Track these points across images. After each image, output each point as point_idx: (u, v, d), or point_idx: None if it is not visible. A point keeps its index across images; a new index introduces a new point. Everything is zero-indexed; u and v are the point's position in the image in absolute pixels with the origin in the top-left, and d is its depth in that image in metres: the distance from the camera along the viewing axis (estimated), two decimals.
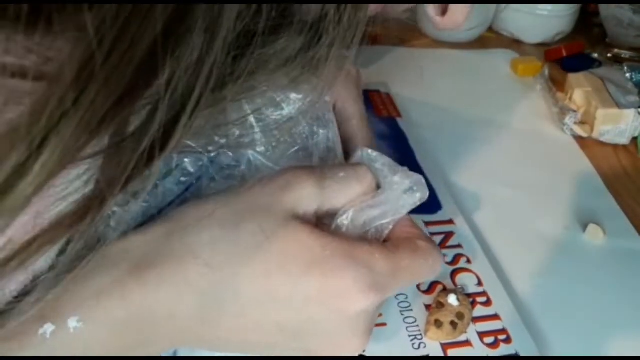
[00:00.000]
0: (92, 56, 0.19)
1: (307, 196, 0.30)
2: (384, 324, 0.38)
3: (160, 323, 0.28)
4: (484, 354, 0.37)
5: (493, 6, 0.77)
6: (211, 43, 0.22)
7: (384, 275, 0.30)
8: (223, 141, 0.33)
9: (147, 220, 0.31)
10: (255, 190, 0.31)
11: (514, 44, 0.79)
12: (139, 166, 0.23)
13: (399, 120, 0.59)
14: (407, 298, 0.41)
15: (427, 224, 0.47)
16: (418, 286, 0.41)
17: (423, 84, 0.66)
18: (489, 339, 0.38)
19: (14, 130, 0.19)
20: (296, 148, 0.36)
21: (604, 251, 0.47)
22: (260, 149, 0.34)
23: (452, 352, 0.37)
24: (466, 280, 0.42)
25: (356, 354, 0.31)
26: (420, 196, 0.34)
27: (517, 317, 0.40)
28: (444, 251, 0.44)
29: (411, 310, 0.40)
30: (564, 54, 0.74)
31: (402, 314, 0.39)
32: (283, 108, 0.34)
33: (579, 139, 0.60)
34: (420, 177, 0.34)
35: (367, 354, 0.36)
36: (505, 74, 0.71)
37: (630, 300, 0.43)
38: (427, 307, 0.40)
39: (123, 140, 0.22)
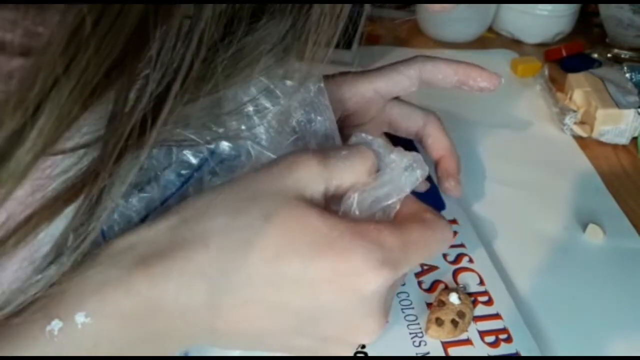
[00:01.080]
0: (82, 23, 0.19)
1: (312, 176, 0.30)
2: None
3: (171, 315, 0.28)
4: (485, 353, 0.37)
5: (493, 6, 0.78)
6: (200, 12, 0.22)
7: (395, 250, 0.29)
8: (221, 130, 0.32)
9: (150, 213, 0.31)
10: (259, 175, 0.30)
11: (514, 44, 0.79)
12: (132, 137, 0.23)
13: None
14: (408, 296, 0.41)
15: None
16: (420, 284, 0.42)
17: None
18: (490, 338, 0.38)
19: (8, 98, 0.19)
20: (295, 137, 0.36)
21: (604, 251, 0.47)
22: (259, 139, 0.34)
23: (452, 351, 0.37)
24: (468, 280, 0.42)
25: (375, 336, 0.31)
26: (420, 173, 0.34)
27: (518, 317, 0.40)
28: (447, 250, 0.44)
29: (412, 308, 0.40)
30: (564, 54, 0.74)
31: (403, 312, 0.39)
32: (279, 97, 0.34)
33: (578, 139, 0.60)
34: (417, 154, 0.34)
35: (367, 351, 0.36)
36: (505, 74, 0.70)
37: (631, 300, 0.43)
38: (429, 305, 0.40)
39: (115, 111, 0.22)
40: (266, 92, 0.34)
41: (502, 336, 0.38)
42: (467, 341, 0.38)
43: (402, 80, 0.45)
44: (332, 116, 0.38)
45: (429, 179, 0.51)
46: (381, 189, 0.32)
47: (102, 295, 0.27)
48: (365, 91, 0.45)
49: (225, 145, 0.34)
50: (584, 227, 0.49)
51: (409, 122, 0.48)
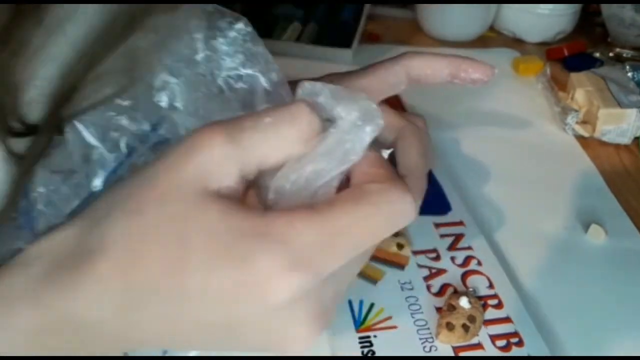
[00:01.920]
0: None
1: (217, 161, 0.24)
2: (394, 327, 0.38)
3: (84, 328, 0.25)
4: None
5: (494, 5, 0.77)
6: None
7: (309, 246, 0.24)
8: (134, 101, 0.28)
9: (82, 203, 0.29)
10: (157, 165, 0.25)
11: (516, 43, 0.79)
12: None
13: None
14: (417, 300, 0.40)
15: (438, 225, 0.46)
16: (429, 288, 0.41)
17: (424, 84, 0.65)
18: (501, 342, 0.38)
19: None
20: (227, 98, 0.30)
21: (605, 251, 0.47)
22: (179, 104, 0.29)
23: (463, 356, 0.37)
24: (477, 283, 0.42)
25: (308, 344, 0.26)
26: (370, 129, 0.26)
27: (528, 320, 0.39)
28: (455, 253, 0.44)
29: (422, 312, 0.39)
30: (566, 53, 0.74)
31: (412, 317, 0.39)
32: (197, 51, 0.29)
33: (580, 138, 0.60)
34: (369, 103, 0.27)
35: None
36: (506, 73, 0.71)
37: (633, 300, 0.43)
38: (438, 309, 0.39)
39: None
40: (181, 50, 0.29)
41: (514, 340, 0.38)
42: (479, 345, 0.38)
43: (388, 78, 0.42)
44: (275, 66, 0.31)
45: (433, 178, 0.51)
46: (322, 158, 0.26)
47: (8, 308, 0.25)
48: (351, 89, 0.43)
49: (162, 128, 0.29)
50: (586, 227, 0.48)
51: (381, 134, 0.45)
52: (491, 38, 0.79)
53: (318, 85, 0.27)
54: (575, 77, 0.62)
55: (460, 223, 0.47)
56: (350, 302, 0.40)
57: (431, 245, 0.44)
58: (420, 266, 0.43)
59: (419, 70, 0.41)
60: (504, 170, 0.55)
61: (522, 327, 0.39)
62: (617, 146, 0.59)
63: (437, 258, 0.43)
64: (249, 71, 0.30)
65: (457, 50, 0.75)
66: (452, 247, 0.44)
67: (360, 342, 0.37)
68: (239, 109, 0.30)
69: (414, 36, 0.79)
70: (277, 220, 0.24)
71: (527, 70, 0.70)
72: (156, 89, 0.29)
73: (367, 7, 0.78)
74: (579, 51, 0.74)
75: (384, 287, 0.41)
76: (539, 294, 0.43)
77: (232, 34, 0.30)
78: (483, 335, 0.38)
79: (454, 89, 0.68)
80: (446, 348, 0.37)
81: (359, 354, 0.37)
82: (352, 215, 0.25)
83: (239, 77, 0.30)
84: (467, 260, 0.44)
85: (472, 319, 0.38)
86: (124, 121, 0.29)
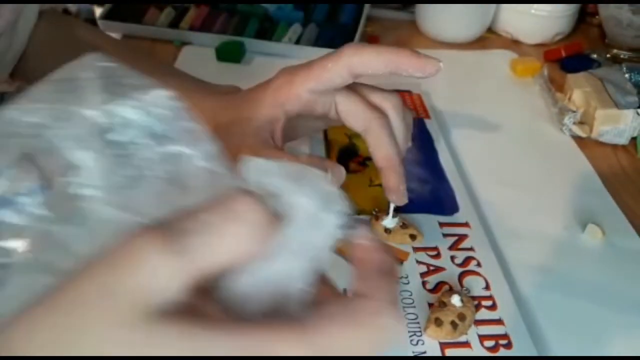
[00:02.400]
0: None
1: (158, 274, 0.20)
2: None
3: None
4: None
5: (492, 6, 0.78)
6: None
7: None
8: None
9: None
10: (85, 283, 0.20)
11: (513, 44, 0.79)
12: None
13: (427, 121, 0.59)
14: (411, 295, 0.41)
15: (442, 224, 0.47)
16: (424, 284, 0.42)
17: (423, 85, 0.66)
18: (489, 343, 0.38)
19: None
20: (157, 184, 0.24)
21: (603, 251, 0.47)
22: (98, 193, 0.23)
23: (450, 352, 0.37)
24: (473, 283, 0.42)
25: None
26: (334, 219, 0.23)
27: (521, 324, 0.40)
28: (456, 253, 0.44)
29: (414, 307, 0.40)
30: (563, 54, 0.74)
31: (404, 310, 0.40)
32: (113, 129, 0.24)
33: (578, 139, 0.60)
34: (329, 186, 0.23)
35: None
36: (504, 74, 0.72)
37: (630, 300, 0.43)
38: (430, 305, 0.40)
39: None
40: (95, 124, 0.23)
41: (502, 342, 0.38)
42: (466, 344, 0.38)
43: (332, 78, 0.43)
44: (207, 136, 0.25)
45: (442, 178, 0.51)
46: (279, 255, 0.22)
47: None
48: (301, 93, 0.44)
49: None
50: (583, 227, 0.49)
51: (352, 120, 0.45)
52: (489, 39, 0.80)
53: (266, 163, 0.23)
54: (572, 78, 0.63)
55: (466, 224, 0.47)
56: (345, 292, 0.40)
57: (433, 243, 0.45)
58: (419, 262, 0.43)
59: (360, 69, 0.42)
60: (501, 170, 0.55)
61: (513, 330, 0.39)
62: (615, 147, 0.60)
63: (437, 256, 0.44)
64: (177, 147, 0.24)
65: (456, 52, 0.76)
66: (453, 247, 0.45)
67: None
68: (170, 195, 0.24)
69: (413, 37, 0.79)
70: (259, 335, 0.21)
71: (525, 72, 0.70)
72: (60, 168, 0.23)
73: (366, 9, 0.78)
74: (576, 52, 0.75)
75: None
76: (535, 295, 0.43)
77: (150, 103, 0.24)
78: (472, 334, 0.39)
79: (451, 89, 0.69)
80: (433, 343, 0.38)
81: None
82: (341, 338, 0.21)
83: (165, 155, 0.24)
84: (467, 260, 0.44)
85: (461, 317, 0.39)
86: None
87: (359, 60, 0.42)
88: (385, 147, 0.43)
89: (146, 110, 0.24)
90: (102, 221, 0.23)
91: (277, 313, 0.22)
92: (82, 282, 0.20)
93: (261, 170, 0.23)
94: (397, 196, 0.44)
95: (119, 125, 0.23)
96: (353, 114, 0.44)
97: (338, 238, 0.23)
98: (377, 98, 0.44)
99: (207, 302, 0.22)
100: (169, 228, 0.21)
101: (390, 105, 0.44)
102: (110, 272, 0.20)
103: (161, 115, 0.24)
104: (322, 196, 0.23)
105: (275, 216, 0.22)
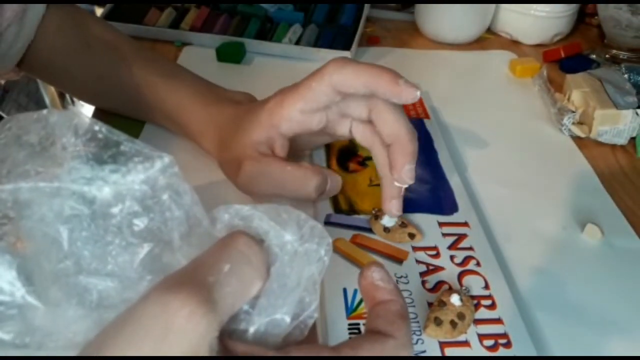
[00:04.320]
0: None
1: (203, 334, 0.21)
2: None
3: None
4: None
5: (492, 7, 0.78)
6: None
7: None
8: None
9: None
10: (133, 348, 0.20)
11: (512, 45, 0.79)
12: None
13: (426, 121, 0.60)
14: (411, 294, 0.41)
15: (442, 224, 0.47)
16: (424, 284, 0.42)
17: (422, 85, 0.66)
18: (489, 342, 0.38)
19: None
20: (147, 249, 0.23)
21: (602, 251, 0.47)
22: (92, 265, 0.23)
23: (449, 351, 0.38)
24: (473, 283, 0.42)
25: None
26: (325, 252, 0.24)
27: (520, 323, 0.40)
28: (455, 252, 0.44)
29: (414, 306, 0.40)
30: (562, 54, 0.74)
31: None
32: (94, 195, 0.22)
33: (577, 139, 0.60)
34: (312, 222, 0.25)
35: None
36: (503, 75, 0.72)
37: (629, 300, 0.43)
38: (430, 304, 0.40)
39: None
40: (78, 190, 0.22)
41: (502, 341, 0.38)
42: (465, 343, 0.38)
43: (318, 97, 0.43)
44: (191, 197, 0.25)
45: (441, 178, 0.51)
46: (276, 303, 0.23)
47: None
48: (291, 114, 0.45)
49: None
50: (582, 226, 0.49)
51: (350, 112, 0.45)
52: (489, 40, 0.80)
53: (246, 209, 0.24)
54: (571, 78, 0.63)
55: (465, 224, 0.47)
56: (344, 290, 0.40)
57: (432, 243, 0.45)
58: (418, 262, 0.43)
59: (343, 88, 0.43)
60: (501, 170, 0.56)
61: (513, 329, 0.39)
62: (613, 147, 0.60)
63: (437, 255, 0.44)
64: (170, 213, 0.24)
65: (455, 52, 0.76)
66: (453, 246, 0.45)
67: (349, 329, 0.38)
68: (156, 257, 0.24)
69: (413, 38, 0.79)
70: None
71: (524, 72, 0.71)
72: (44, 240, 0.22)
73: (366, 10, 0.78)
74: (575, 53, 0.75)
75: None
76: (534, 295, 0.43)
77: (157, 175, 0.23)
78: (471, 333, 0.39)
79: (451, 90, 0.69)
80: (433, 342, 0.38)
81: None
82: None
83: (145, 212, 0.23)
84: (467, 260, 0.44)
85: (461, 316, 0.39)
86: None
87: (341, 79, 0.42)
88: (391, 122, 0.43)
89: (146, 182, 0.23)
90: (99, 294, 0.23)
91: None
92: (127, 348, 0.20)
93: (241, 216, 0.24)
94: (399, 176, 0.43)
95: (115, 196, 0.23)
96: (347, 108, 0.46)
97: (326, 266, 0.24)
98: (374, 79, 0.42)
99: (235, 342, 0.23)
100: (196, 284, 0.21)
101: (381, 95, 0.43)
102: (153, 341, 0.20)
103: (161, 185, 0.23)
104: (305, 231, 0.24)
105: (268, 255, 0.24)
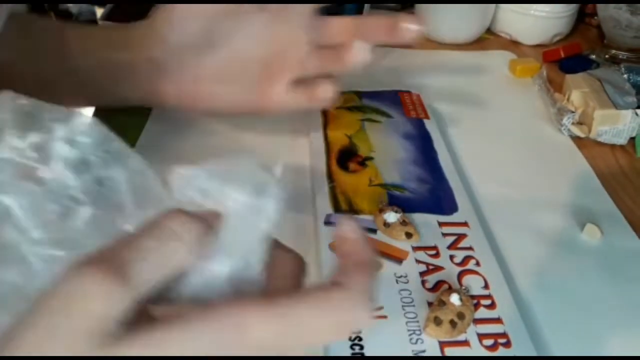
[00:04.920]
0: None
1: (110, 305, 0.21)
2: (384, 317, 0.39)
3: None
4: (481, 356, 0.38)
5: (492, 7, 0.78)
6: None
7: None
8: None
9: None
10: (39, 319, 0.21)
11: (512, 45, 0.79)
12: None
13: (426, 121, 0.59)
14: (410, 294, 0.41)
15: (441, 224, 0.47)
16: (423, 283, 0.42)
17: (422, 86, 0.66)
18: (488, 341, 0.38)
19: None
20: (89, 213, 0.23)
21: (601, 251, 0.47)
22: (35, 234, 0.23)
23: (449, 351, 0.38)
24: (472, 282, 0.42)
25: None
26: (272, 204, 0.23)
27: (520, 322, 0.40)
28: (455, 252, 0.44)
29: (414, 306, 0.40)
30: (562, 55, 0.74)
31: (403, 309, 0.40)
32: (38, 166, 0.23)
33: (576, 139, 0.61)
34: (262, 172, 0.24)
35: (366, 345, 0.37)
36: (503, 75, 0.72)
37: (628, 300, 0.43)
38: (430, 304, 0.40)
39: None
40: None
41: (501, 340, 0.38)
42: (465, 342, 0.38)
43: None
44: (132, 153, 0.25)
45: (441, 178, 0.51)
46: (221, 256, 0.23)
47: None
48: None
49: None
50: (582, 226, 0.49)
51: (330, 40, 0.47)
52: (488, 40, 0.80)
53: (191, 170, 0.24)
54: (571, 78, 0.63)
55: (465, 224, 0.47)
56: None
57: (432, 243, 0.45)
58: (418, 262, 0.43)
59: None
60: (501, 170, 0.56)
61: (512, 328, 0.39)
62: (613, 147, 0.60)
63: (437, 255, 0.44)
64: (106, 172, 0.24)
65: (455, 52, 0.76)
66: (452, 246, 0.45)
67: None
68: (105, 222, 0.24)
69: None
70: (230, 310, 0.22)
71: (523, 72, 0.71)
72: None
73: (366, 10, 0.78)
74: (575, 53, 0.75)
75: (380, 279, 0.42)
76: (533, 294, 0.43)
77: (75, 133, 0.24)
78: (471, 333, 0.39)
79: (450, 90, 0.69)
80: (432, 342, 0.38)
81: (346, 339, 0.37)
82: (308, 318, 0.23)
83: (94, 182, 0.24)
84: (466, 259, 0.44)
85: (461, 315, 0.39)
86: None
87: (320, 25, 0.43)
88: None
89: (70, 142, 0.23)
90: (36, 262, 0.23)
91: None
92: (32, 328, 0.21)
93: (189, 178, 0.24)
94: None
95: (43, 161, 0.23)
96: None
97: (278, 220, 0.24)
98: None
99: (163, 305, 0.23)
100: (112, 259, 0.21)
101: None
102: (57, 314, 0.20)
103: (86, 143, 0.24)
104: (255, 185, 0.23)
105: (209, 224, 0.23)
